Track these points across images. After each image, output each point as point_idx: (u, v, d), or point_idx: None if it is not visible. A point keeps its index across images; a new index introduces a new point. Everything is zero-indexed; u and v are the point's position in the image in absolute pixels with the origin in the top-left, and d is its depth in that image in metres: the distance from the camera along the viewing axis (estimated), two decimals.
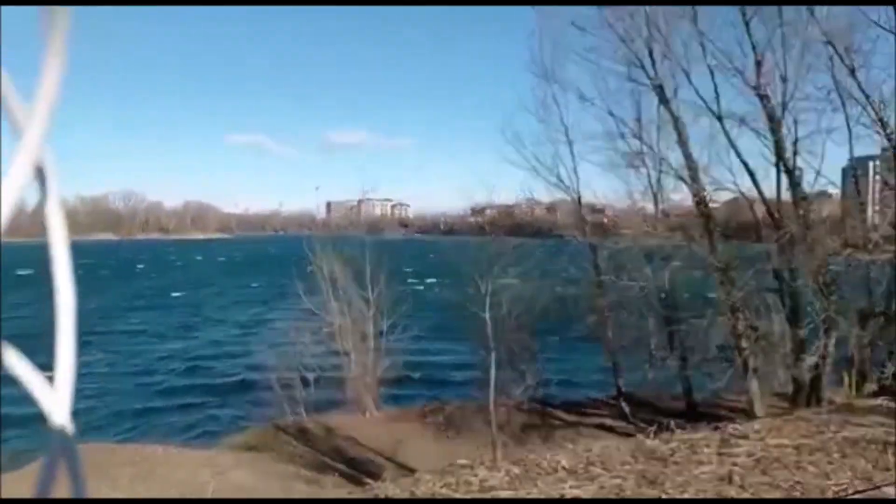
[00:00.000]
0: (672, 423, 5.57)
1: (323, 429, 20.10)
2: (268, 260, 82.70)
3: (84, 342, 35.87)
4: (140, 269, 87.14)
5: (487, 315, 17.76)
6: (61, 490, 0.53)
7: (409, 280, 46.31)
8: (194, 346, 35.95)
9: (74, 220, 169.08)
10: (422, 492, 3.85)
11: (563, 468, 4.30)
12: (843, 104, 16.48)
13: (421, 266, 56.29)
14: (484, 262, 18.76)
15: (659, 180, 20.55)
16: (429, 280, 50.04)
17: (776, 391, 18.97)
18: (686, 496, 3.84)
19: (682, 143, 17.74)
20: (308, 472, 15.62)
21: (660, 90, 18.00)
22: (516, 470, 4.28)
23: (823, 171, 17.30)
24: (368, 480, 8.82)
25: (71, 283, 0.57)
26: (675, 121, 17.95)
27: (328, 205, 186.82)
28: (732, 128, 17.27)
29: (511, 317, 19.96)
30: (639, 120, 19.76)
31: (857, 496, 3.83)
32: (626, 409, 20.52)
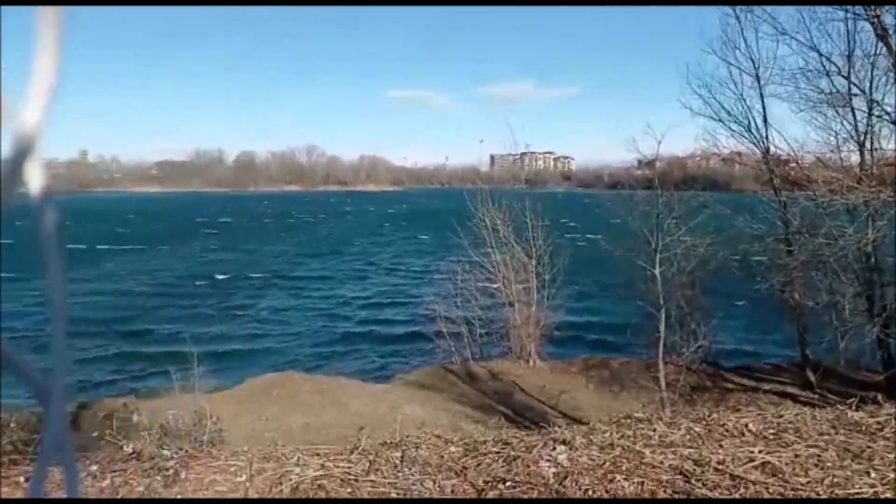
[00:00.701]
0: (879, 396, 5.00)
1: (488, 373, 20.79)
2: (434, 212, 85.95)
3: (271, 284, 40.44)
4: (321, 219, 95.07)
5: (657, 271, 17.01)
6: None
7: (572, 234, 45.58)
8: (371, 292, 38.72)
9: (267, 172, 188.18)
10: (598, 440, 3.87)
11: (751, 432, 4.07)
12: None
13: (583, 219, 55.03)
14: (653, 217, 17.85)
15: (868, 126, 17.91)
16: (591, 234, 48.87)
17: None
18: None
19: (886, 39, 15.17)
20: (474, 412, 16.32)
21: (878, 22, 15.49)
22: (698, 428, 4.12)
23: None
24: (529, 425, 9.02)
25: (62, 271, 0.48)
26: (893, 55, 15.43)
27: (491, 158, 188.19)
28: None
29: (683, 274, 18.93)
30: (849, 56, 17.23)
31: None
32: (812, 379, 18.77)
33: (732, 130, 20.43)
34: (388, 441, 3.91)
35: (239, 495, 3.12)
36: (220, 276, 42.66)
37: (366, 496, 3.14)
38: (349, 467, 3.46)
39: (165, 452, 3.54)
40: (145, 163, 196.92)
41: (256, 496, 3.10)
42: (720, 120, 20.46)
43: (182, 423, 6.11)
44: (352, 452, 3.58)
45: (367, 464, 3.51)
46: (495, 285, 23.76)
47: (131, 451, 3.54)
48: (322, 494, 3.13)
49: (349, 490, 3.21)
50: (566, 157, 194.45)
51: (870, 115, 17.52)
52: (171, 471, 3.31)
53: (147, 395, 15.56)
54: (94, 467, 3.35)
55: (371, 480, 3.32)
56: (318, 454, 3.66)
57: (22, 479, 3.33)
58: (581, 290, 32.31)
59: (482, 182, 29.27)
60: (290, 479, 3.30)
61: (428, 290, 28.26)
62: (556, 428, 4.18)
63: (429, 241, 59.48)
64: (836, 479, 3.36)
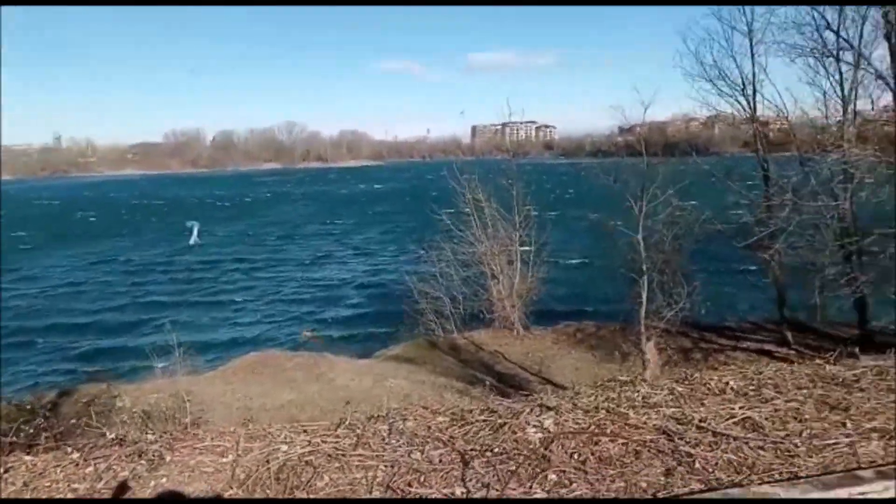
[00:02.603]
0: (857, 349, 5.10)
1: (472, 344, 20.96)
2: (416, 186, 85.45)
3: (253, 268, 39.99)
4: (299, 196, 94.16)
5: (640, 237, 17.12)
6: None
7: (555, 203, 45.69)
8: (355, 272, 38.55)
9: (246, 150, 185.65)
10: (583, 404, 3.91)
11: (732, 389, 4.14)
12: None
13: (566, 188, 55.15)
14: (635, 183, 17.90)
15: (854, 83, 17.92)
16: (572, 203, 48.99)
17: None
18: (874, 424, 3.57)
19: (891, 35, 15.16)
20: (458, 383, 16.49)
21: None
22: (680, 388, 4.18)
23: None
24: (514, 392, 9.11)
25: None
26: (886, 14, 15.38)
27: (473, 129, 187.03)
28: None
29: (665, 240, 19.09)
30: (840, 10, 17.18)
31: None
32: (789, 336, 19.17)
33: (722, 91, 20.47)
34: (375, 414, 3.92)
35: (226, 475, 3.11)
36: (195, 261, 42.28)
37: (354, 470, 3.15)
38: (337, 442, 3.46)
39: (150, 437, 3.52)
40: (121, 146, 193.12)
41: (244, 476, 3.10)
42: (711, 80, 20.50)
43: (166, 406, 6.09)
44: (338, 427, 3.59)
45: (355, 438, 3.52)
46: (478, 258, 23.81)
47: (114, 436, 3.50)
48: (310, 470, 3.13)
49: (337, 465, 3.22)
50: (548, 127, 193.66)
51: (856, 69, 17.57)
52: (155, 454, 3.29)
53: (129, 380, 15.52)
54: (76, 454, 3.32)
55: (359, 454, 3.33)
56: (305, 431, 3.66)
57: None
58: (566, 260, 32.56)
59: (464, 154, 29.18)
60: (278, 458, 3.30)
61: (412, 266, 28.31)
62: (541, 394, 4.21)
63: (409, 215, 59.35)
64: (813, 431, 3.44)
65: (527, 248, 23.79)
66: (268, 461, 3.22)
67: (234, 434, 3.59)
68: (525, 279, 23.39)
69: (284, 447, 3.40)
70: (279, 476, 3.09)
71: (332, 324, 27.84)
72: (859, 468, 3.14)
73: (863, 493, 2.90)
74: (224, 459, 3.28)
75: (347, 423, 3.70)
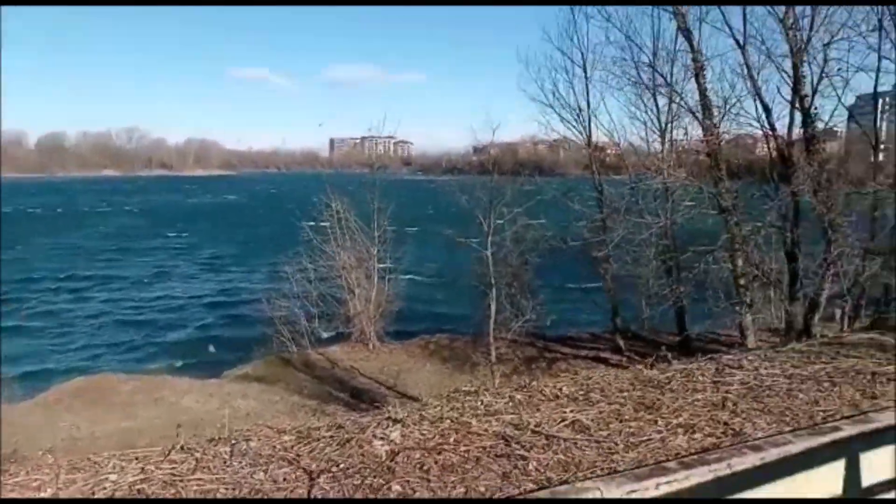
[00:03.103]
0: (669, 355, 5.74)
1: (327, 361, 20.63)
2: (271, 199, 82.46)
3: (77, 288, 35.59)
4: (138, 206, 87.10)
5: (489, 252, 17.92)
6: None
7: (413, 218, 46.33)
8: (206, 290, 36.24)
9: (79, 155, 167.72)
10: (430, 415, 4.04)
11: (565, 395, 4.48)
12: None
13: (423, 205, 56.13)
14: (486, 201, 18.75)
15: (670, 115, 20.26)
16: (431, 219, 50.01)
17: (769, 327, 19.35)
18: (681, 420, 4.02)
19: (699, 75, 17.23)
20: (311, 401, 16.17)
21: (681, 18, 17.32)
22: (519, 396, 4.45)
23: (836, 109, 16.99)
24: (367, 407, 9.16)
25: None
26: (694, 51, 17.44)
27: (331, 142, 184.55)
28: (754, 56, 16.63)
29: (513, 255, 20.11)
30: (654, 51, 19.32)
31: (843, 422, 4.02)
32: (621, 344, 21.00)
33: (562, 117, 22.20)
34: (217, 437, 3.77)
35: None
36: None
37: (192, 495, 3.01)
38: (173, 468, 3.29)
39: None
40: None
41: None
42: (551, 106, 22.13)
43: None
44: (169, 453, 3.40)
45: (194, 462, 3.36)
46: (336, 271, 23.54)
47: None
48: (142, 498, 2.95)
49: (173, 491, 3.06)
50: (405, 142, 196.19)
51: (670, 104, 19.78)
52: None
53: None
54: None
55: (198, 478, 3.19)
56: (136, 458, 3.43)
57: None
58: (421, 274, 33.11)
59: (322, 166, 28.78)
60: (105, 488, 3.07)
61: (265, 282, 27.29)
62: (389, 407, 4.29)
63: (267, 229, 57.13)
64: (631, 429, 3.84)
65: (384, 264, 23.94)
66: (93, 493, 2.99)
67: (52, 466, 3.28)
68: (382, 293, 23.50)
69: (113, 476, 3.16)
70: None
71: (176, 345, 25.91)
72: (667, 460, 3.56)
73: (668, 482, 3.29)
74: (42, 494, 2.99)
75: (184, 447, 3.52)
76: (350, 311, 22.90)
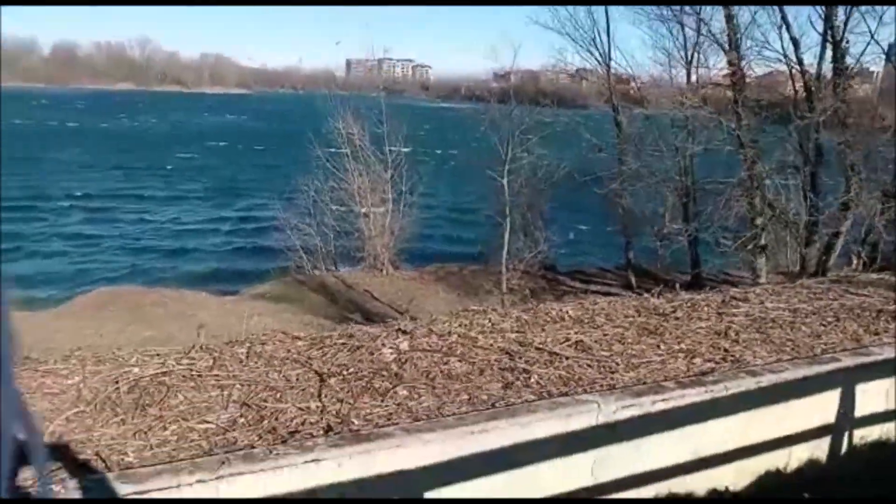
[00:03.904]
0: (678, 285, 5.80)
1: (341, 284, 21.00)
2: (285, 119, 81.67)
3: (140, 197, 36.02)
4: (160, 124, 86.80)
5: (505, 181, 17.84)
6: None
7: (429, 144, 45.83)
8: (223, 213, 36.42)
9: (91, 67, 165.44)
10: (438, 329, 4.16)
11: (570, 317, 4.58)
12: None
13: (440, 130, 55.37)
14: (505, 129, 18.51)
15: (696, 46, 19.55)
16: (448, 144, 49.44)
17: (783, 270, 19.29)
18: (682, 346, 4.12)
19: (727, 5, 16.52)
20: (325, 321, 16.53)
21: None
22: (525, 317, 4.56)
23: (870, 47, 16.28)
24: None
25: None
26: None
27: (347, 63, 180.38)
28: None
29: (529, 184, 20.01)
30: None
31: (842, 353, 4.10)
32: (633, 280, 21.13)
33: (579, 46, 21.45)
34: (235, 339, 3.94)
35: (72, 395, 3.03)
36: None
37: (209, 389, 3.19)
38: (192, 364, 3.46)
39: None
40: None
41: (91, 396, 3.04)
42: (567, 34, 21.37)
43: None
44: (189, 351, 3.57)
45: (212, 360, 3.54)
46: (350, 194, 23.60)
47: None
48: (164, 389, 3.13)
49: (192, 384, 3.23)
50: (424, 66, 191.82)
51: (698, 34, 19.08)
52: None
53: None
54: None
55: (215, 374, 3.36)
56: (158, 354, 3.61)
57: None
58: (437, 202, 33.08)
59: (338, 88, 28.30)
60: (128, 378, 3.26)
61: (284, 202, 27.38)
62: (399, 321, 4.43)
63: (280, 150, 56.81)
64: (632, 352, 3.95)
65: (398, 190, 23.90)
66: (117, 382, 3.17)
67: (80, 358, 3.47)
68: (397, 219, 23.60)
69: (136, 369, 3.35)
70: (130, 395, 3.06)
71: (193, 260, 26.46)
72: (665, 380, 3.68)
73: (664, 399, 3.42)
74: (69, 381, 3.18)
75: (204, 346, 3.70)
76: (365, 236, 23.10)
